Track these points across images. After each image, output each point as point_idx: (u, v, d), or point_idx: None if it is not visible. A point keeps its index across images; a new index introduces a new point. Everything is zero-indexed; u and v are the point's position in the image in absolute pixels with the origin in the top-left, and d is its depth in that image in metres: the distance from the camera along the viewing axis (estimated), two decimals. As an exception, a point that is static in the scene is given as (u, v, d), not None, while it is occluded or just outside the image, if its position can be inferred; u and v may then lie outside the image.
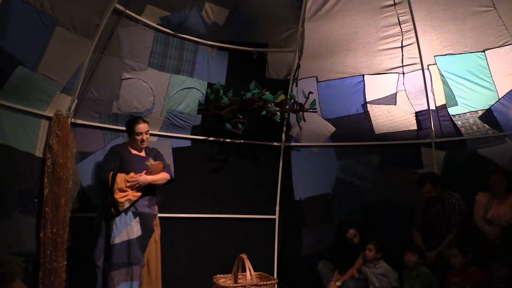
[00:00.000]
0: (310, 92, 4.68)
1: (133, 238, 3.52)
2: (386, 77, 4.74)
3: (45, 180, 3.50)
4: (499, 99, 4.36)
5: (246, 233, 4.71)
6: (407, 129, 4.79)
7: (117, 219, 3.51)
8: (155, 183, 3.71)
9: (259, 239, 4.79)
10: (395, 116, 4.80)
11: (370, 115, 4.84)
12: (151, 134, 4.14)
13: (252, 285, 3.69)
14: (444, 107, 4.64)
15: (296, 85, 4.91)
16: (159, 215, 3.92)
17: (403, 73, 4.70)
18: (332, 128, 4.98)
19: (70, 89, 3.69)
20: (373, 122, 4.85)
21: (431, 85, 4.64)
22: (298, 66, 4.83)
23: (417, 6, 4.36)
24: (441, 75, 4.58)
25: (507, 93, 4.32)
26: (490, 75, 4.37)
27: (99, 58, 3.79)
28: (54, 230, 3.46)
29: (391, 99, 4.78)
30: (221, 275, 3.98)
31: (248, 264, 3.72)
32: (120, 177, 3.53)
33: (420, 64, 4.60)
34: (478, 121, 4.49)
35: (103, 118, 4.04)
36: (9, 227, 3.30)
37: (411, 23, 4.44)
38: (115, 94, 4.03)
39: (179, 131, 4.52)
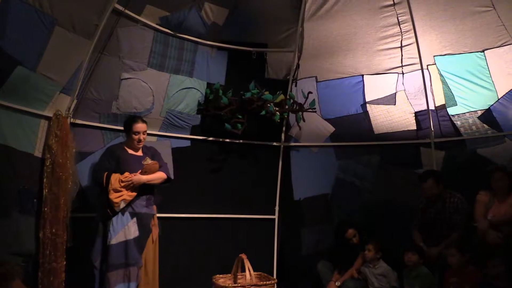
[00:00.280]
0: (310, 92, 4.68)
1: (130, 239, 3.50)
2: (386, 77, 4.74)
3: (44, 180, 3.50)
4: (499, 99, 4.37)
5: (246, 233, 4.71)
6: (406, 129, 4.79)
7: (114, 219, 3.49)
8: (150, 183, 3.68)
9: (259, 239, 4.79)
10: (395, 116, 4.80)
11: (370, 115, 4.84)
12: (151, 134, 4.15)
13: (252, 285, 3.68)
14: (443, 107, 4.64)
15: (296, 85, 4.91)
16: (158, 215, 3.92)
17: (403, 73, 4.71)
18: (331, 128, 4.98)
19: (70, 89, 3.69)
20: (373, 122, 4.86)
21: (431, 85, 4.64)
22: (298, 66, 4.83)
23: (417, 6, 4.36)
24: (441, 75, 4.58)
25: (506, 93, 4.32)
26: (489, 75, 4.37)
27: (99, 58, 3.79)
28: (54, 230, 3.46)
29: (390, 99, 4.78)
30: (221, 275, 3.97)
31: (247, 264, 3.71)
32: (114, 177, 3.51)
33: (419, 64, 4.60)
34: (478, 121, 4.49)
35: (102, 118, 4.04)
36: (8, 227, 3.29)
37: (411, 23, 4.45)
38: (114, 94, 4.03)
39: (179, 131, 4.52)
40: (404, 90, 4.74)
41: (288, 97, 4.78)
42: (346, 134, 4.95)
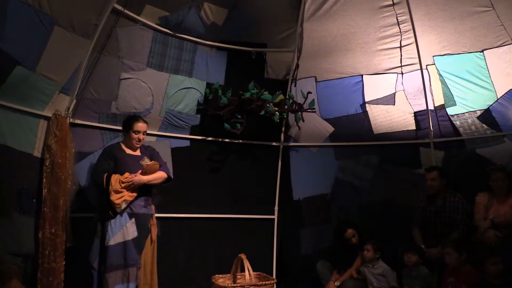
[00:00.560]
0: (309, 92, 4.68)
1: (129, 240, 3.49)
2: (385, 77, 4.75)
3: (44, 180, 3.50)
4: (498, 99, 4.37)
5: (245, 233, 4.71)
6: (405, 129, 4.80)
7: (112, 220, 3.47)
8: (151, 183, 3.68)
9: (258, 239, 4.79)
10: (394, 116, 4.80)
11: (369, 115, 4.84)
12: (150, 134, 4.14)
13: (251, 285, 3.68)
14: (442, 107, 4.65)
15: (295, 85, 4.91)
16: (158, 215, 3.92)
17: (402, 73, 4.71)
18: (331, 128, 4.98)
19: (69, 89, 3.69)
20: (372, 122, 4.86)
21: (430, 85, 4.65)
22: (297, 66, 4.83)
23: (416, 6, 4.36)
24: (440, 75, 4.59)
25: (505, 93, 4.32)
26: (488, 75, 4.37)
27: (98, 58, 3.79)
28: (53, 230, 3.46)
29: (389, 99, 4.78)
30: (220, 275, 3.97)
31: (247, 264, 3.71)
32: (115, 178, 3.50)
33: (418, 64, 4.60)
34: (477, 121, 4.50)
35: (101, 118, 4.04)
36: (7, 227, 3.29)
37: (410, 23, 4.45)
38: (113, 94, 4.03)
39: (178, 131, 4.52)
40: (404, 90, 4.74)
41: (287, 97, 4.79)
42: (345, 134, 4.95)
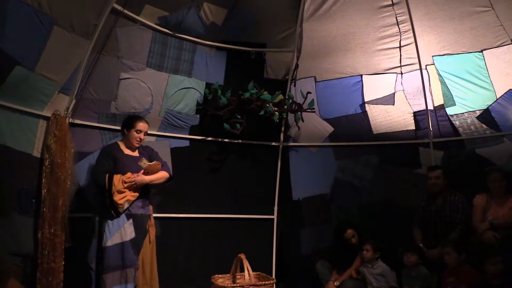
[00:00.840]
0: (309, 92, 4.68)
1: (127, 241, 3.47)
2: (384, 77, 4.75)
3: (43, 180, 3.49)
4: (497, 99, 4.37)
5: (245, 233, 4.71)
6: (405, 129, 4.80)
7: (109, 221, 3.47)
8: (154, 183, 3.69)
9: (258, 239, 4.79)
10: (393, 116, 4.80)
11: (368, 115, 4.85)
12: (150, 134, 4.14)
13: (251, 285, 3.68)
14: (442, 107, 4.65)
15: (295, 85, 4.91)
16: (157, 215, 3.92)
17: (401, 73, 4.71)
18: (330, 128, 4.98)
19: (68, 89, 3.69)
20: (371, 122, 4.86)
21: (429, 85, 4.65)
22: (297, 66, 4.83)
23: (415, 6, 4.37)
24: (439, 75, 4.59)
25: (504, 93, 4.33)
26: (488, 75, 4.38)
27: (97, 58, 3.79)
28: (52, 231, 3.45)
29: (389, 99, 4.78)
30: (220, 275, 3.97)
31: (246, 264, 3.71)
32: (117, 179, 3.49)
33: (418, 64, 4.60)
34: (476, 121, 4.50)
35: (101, 118, 4.04)
36: (7, 227, 3.29)
37: (409, 23, 4.45)
38: (113, 94, 4.03)
39: (177, 131, 4.52)
40: (403, 90, 4.74)
41: (287, 97, 4.79)
42: (345, 134, 4.95)
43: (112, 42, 3.86)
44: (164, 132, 4.44)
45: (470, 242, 3.76)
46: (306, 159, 5.07)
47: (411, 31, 4.48)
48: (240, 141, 4.78)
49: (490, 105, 4.40)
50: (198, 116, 4.59)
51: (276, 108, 4.60)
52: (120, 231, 3.48)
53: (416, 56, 4.57)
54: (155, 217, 3.84)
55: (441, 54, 4.51)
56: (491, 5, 4.11)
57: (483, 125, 4.47)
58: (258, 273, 4.06)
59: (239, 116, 4.56)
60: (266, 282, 3.87)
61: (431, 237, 4.07)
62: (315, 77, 4.91)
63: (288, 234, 4.98)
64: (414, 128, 4.77)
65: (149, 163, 3.63)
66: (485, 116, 4.44)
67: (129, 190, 3.52)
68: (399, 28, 4.52)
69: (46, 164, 3.52)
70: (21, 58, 3.26)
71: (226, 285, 3.76)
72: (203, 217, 4.57)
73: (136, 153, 3.76)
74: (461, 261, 3.56)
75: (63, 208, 3.55)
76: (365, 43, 4.63)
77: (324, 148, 5.06)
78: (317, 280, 4.44)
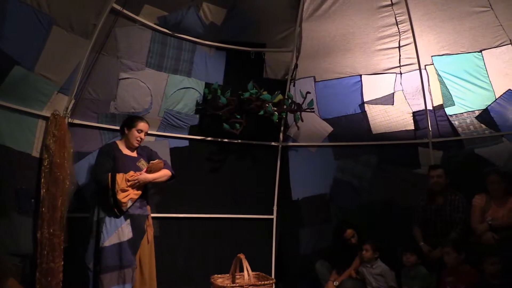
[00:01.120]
0: (308, 92, 4.68)
1: (124, 241, 3.46)
2: (384, 77, 4.75)
3: (42, 180, 3.49)
4: (496, 99, 4.38)
5: (244, 233, 4.71)
6: (404, 129, 4.80)
7: (107, 221, 3.44)
8: (156, 181, 3.68)
9: (257, 239, 4.78)
10: (393, 116, 4.81)
11: (368, 115, 4.85)
12: (149, 134, 4.13)
13: (250, 285, 3.68)
14: (441, 107, 4.66)
15: (294, 85, 4.91)
16: (157, 215, 3.92)
17: (401, 73, 4.71)
18: (329, 128, 4.98)
19: (67, 89, 3.69)
20: (371, 122, 4.86)
21: (428, 85, 4.65)
22: (296, 66, 4.83)
23: (415, 6, 4.37)
24: (438, 75, 4.60)
25: (503, 93, 4.34)
26: (487, 75, 4.38)
27: (97, 58, 3.79)
28: (51, 231, 3.45)
29: (388, 99, 4.79)
30: (219, 275, 3.97)
31: (246, 264, 3.71)
32: (120, 177, 3.48)
33: (417, 64, 4.61)
34: (475, 121, 4.51)
35: (100, 118, 4.03)
36: (6, 227, 3.28)
37: (409, 23, 4.46)
38: (112, 94, 4.02)
39: (177, 131, 4.52)
40: (402, 90, 4.75)
41: (286, 97, 4.79)
42: (344, 134, 4.95)
43: (112, 42, 3.86)
44: (164, 132, 4.44)
45: (470, 242, 3.76)
46: (305, 159, 5.07)
47: (410, 31, 4.49)
48: (239, 141, 4.78)
49: (489, 105, 4.41)
50: (197, 116, 4.59)
51: (275, 108, 4.60)
52: (118, 231, 3.46)
53: (415, 56, 4.58)
54: (154, 217, 3.84)
55: (440, 54, 4.52)
56: (490, 5, 4.12)
57: (482, 125, 4.48)
58: (257, 273, 4.05)
59: (238, 116, 4.56)
60: (266, 282, 3.87)
61: (431, 236, 4.07)
62: (314, 77, 4.91)
63: (288, 234, 4.98)
64: (413, 128, 4.78)
65: (151, 161, 3.64)
66: (484, 116, 4.45)
67: (132, 188, 3.52)
68: (398, 28, 4.52)
69: (45, 164, 3.51)
70: (20, 58, 3.26)
71: (225, 285, 3.76)
72: (202, 217, 4.57)
73: (134, 154, 3.75)
74: (461, 260, 3.56)
75: (62, 208, 3.54)
76: (364, 43, 4.63)
77: (323, 148, 5.06)
78: (316, 280, 4.44)
